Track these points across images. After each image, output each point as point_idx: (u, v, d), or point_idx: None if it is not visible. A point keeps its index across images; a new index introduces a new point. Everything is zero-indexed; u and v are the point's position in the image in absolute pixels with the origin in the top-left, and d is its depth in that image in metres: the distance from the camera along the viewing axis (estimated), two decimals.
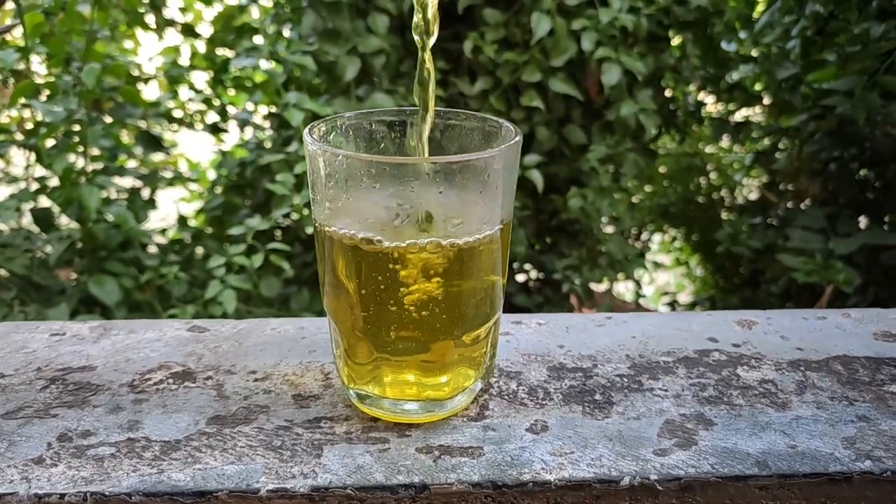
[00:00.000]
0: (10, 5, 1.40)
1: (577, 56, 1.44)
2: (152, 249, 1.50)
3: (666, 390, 0.44)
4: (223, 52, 1.63)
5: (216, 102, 1.69)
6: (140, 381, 0.44)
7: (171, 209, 1.70)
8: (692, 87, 1.95)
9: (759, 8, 1.78)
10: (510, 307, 1.63)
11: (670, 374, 0.46)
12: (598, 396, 0.43)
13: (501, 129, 0.39)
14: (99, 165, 1.37)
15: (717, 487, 0.37)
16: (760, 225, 1.85)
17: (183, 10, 1.74)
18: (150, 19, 1.56)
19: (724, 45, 1.80)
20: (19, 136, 1.48)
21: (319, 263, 0.40)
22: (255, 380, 0.44)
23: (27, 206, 1.38)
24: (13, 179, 1.52)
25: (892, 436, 0.40)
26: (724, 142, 2.26)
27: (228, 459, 0.37)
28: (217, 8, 1.66)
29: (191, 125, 1.69)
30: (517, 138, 0.37)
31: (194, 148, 1.93)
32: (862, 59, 1.43)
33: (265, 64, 1.45)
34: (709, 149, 2.32)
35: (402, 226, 0.35)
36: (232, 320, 0.51)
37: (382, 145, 0.42)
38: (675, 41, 1.71)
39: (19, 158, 1.57)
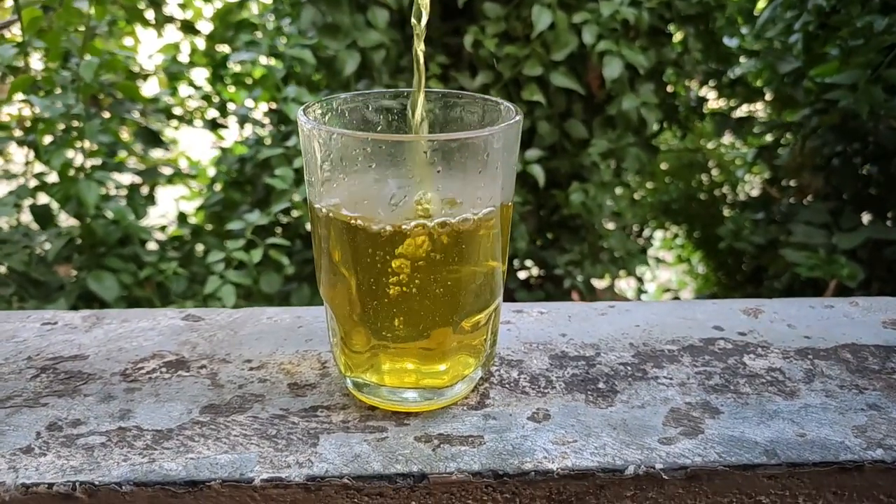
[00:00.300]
0: (8, 2, 1.39)
1: (578, 50, 1.43)
2: (152, 246, 1.50)
3: (671, 378, 0.43)
4: (222, 48, 1.62)
5: (215, 99, 1.68)
6: (132, 369, 0.43)
7: (171, 206, 1.69)
8: (694, 83, 1.94)
9: (761, 3, 1.76)
10: (511, 302, 1.62)
11: (675, 362, 0.45)
12: (601, 385, 0.42)
13: (501, 109, 0.38)
14: (98, 161, 1.36)
15: (725, 476, 0.36)
16: (763, 220, 1.84)
17: (182, 6, 1.73)
18: (150, 16, 1.55)
19: (725, 40, 1.79)
20: (18, 134, 1.47)
21: (315, 249, 0.39)
22: (251, 368, 0.43)
23: (26, 203, 1.37)
24: (12, 176, 1.52)
25: None
26: (727, 138, 2.25)
27: (222, 448, 0.36)
28: (216, 4, 1.65)
29: (190, 122, 1.68)
30: (517, 117, 0.36)
31: (194, 145, 1.93)
32: (865, 53, 1.41)
33: (264, 59, 1.44)
34: (710, 145, 2.31)
35: (400, 206, 0.34)
36: (227, 309, 0.50)
37: (379, 128, 0.41)
38: (677, 36, 1.70)
39: (19, 156, 1.56)
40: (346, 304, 0.38)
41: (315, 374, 0.43)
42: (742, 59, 1.83)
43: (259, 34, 1.49)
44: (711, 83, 1.94)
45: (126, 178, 1.48)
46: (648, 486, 0.36)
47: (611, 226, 1.80)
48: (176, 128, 1.70)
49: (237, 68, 1.62)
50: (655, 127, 1.72)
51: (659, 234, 2.43)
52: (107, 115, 1.45)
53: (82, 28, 1.26)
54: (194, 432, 0.38)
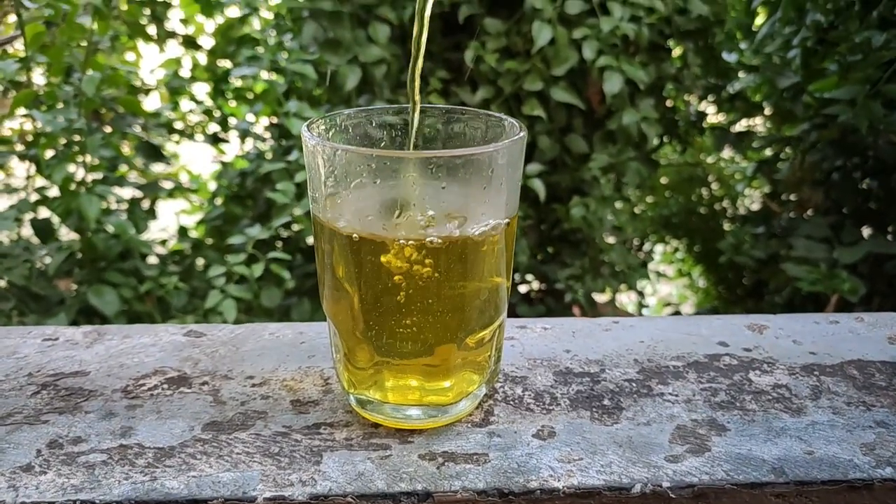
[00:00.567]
0: (12, 18, 1.40)
1: (578, 65, 1.44)
2: (152, 260, 1.49)
3: (676, 395, 0.43)
4: (224, 63, 1.63)
5: (216, 113, 1.68)
6: (134, 386, 0.43)
7: (171, 221, 1.69)
8: (693, 98, 1.95)
9: (760, 19, 1.78)
10: (512, 317, 1.61)
11: (680, 378, 0.44)
12: (606, 402, 0.42)
13: (505, 125, 0.38)
14: (99, 175, 1.37)
15: (733, 495, 0.35)
16: (763, 235, 1.84)
17: (184, 21, 1.74)
18: (152, 31, 1.56)
19: (724, 55, 1.80)
20: (20, 148, 1.47)
21: (319, 264, 0.39)
22: (253, 385, 0.43)
23: (27, 217, 1.37)
24: (13, 190, 1.52)
25: None
26: (726, 152, 2.26)
27: (224, 466, 0.36)
28: (218, 20, 1.66)
29: (191, 136, 1.69)
30: (521, 134, 0.36)
31: (195, 160, 1.93)
32: (864, 68, 1.42)
33: (266, 74, 1.45)
34: (710, 159, 2.32)
35: (404, 222, 0.34)
36: (229, 325, 0.50)
37: (382, 143, 0.41)
38: (676, 51, 1.71)
39: (20, 170, 1.56)
40: (349, 320, 0.38)
41: (318, 390, 0.43)
42: (741, 74, 1.84)
43: (260, 49, 1.49)
44: (711, 98, 1.95)
45: (127, 193, 1.48)
46: None
47: (611, 240, 1.80)
48: (177, 142, 1.70)
49: (238, 83, 1.62)
50: (655, 141, 1.72)
51: (659, 248, 2.43)
52: (108, 129, 1.46)
53: (84, 43, 1.27)
54: (196, 450, 0.37)
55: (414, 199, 0.34)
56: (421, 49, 0.36)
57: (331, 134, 0.39)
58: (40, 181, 1.40)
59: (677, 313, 2.28)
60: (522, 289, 1.79)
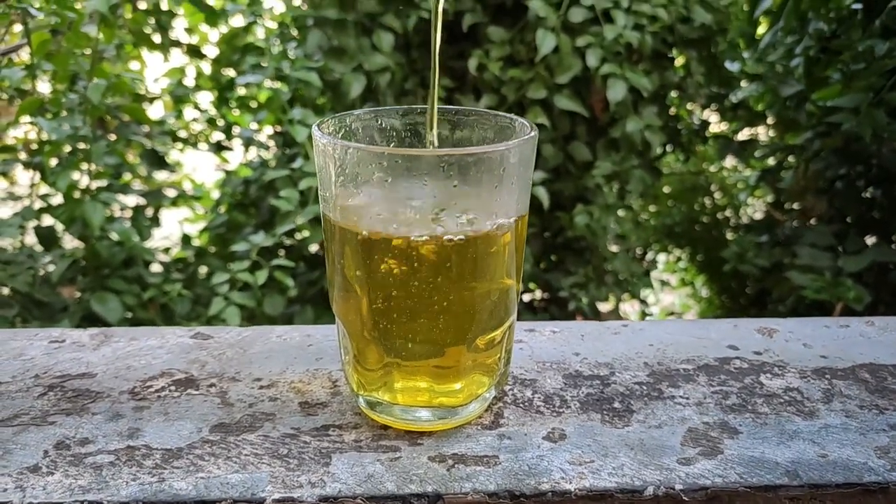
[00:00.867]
0: (17, 27, 1.41)
1: (581, 73, 1.44)
2: (156, 268, 1.49)
3: (687, 398, 0.42)
4: (228, 72, 1.63)
5: (220, 122, 1.69)
6: (141, 388, 0.43)
7: (175, 229, 1.69)
8: (696, 107, 1.95)
9: (762, 28, 1.78)
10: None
11: (691, 381, 0.44)
12: (616, 404, 0.42)
13: (516, 125, 0.38)
14: (103, 183, 1.37)
15: (746, 498, 0.35)
16: (767, 243, 1.84)
17: (189, 30, 1.75)
18: (157, 39, 1.56)
19: (727, 64, 1.80)
20: (24, 157, 1.48)
21: (328, 265, 0.39)
22: (261, 387, 0.43)
23: (31, 225, 1.37)
24: (17, 198, 1.52)
25: None
26: (729, 161, 2.26)
27: (233, 468, 0.36)
28: (222, 29, 1.67)
29: (195, 144, 1.69)
30: (532, 133, 0.36)
31: (199, 168, 1.93)
32: (867, 77, 1.42)
33: (270, 83, 1.45)
34: (713, 168, 2.32)
35: (415, 220, 0.34)
36: (236, 327, 0.50)
37: (392, 144, 0.41)
38: (679, 60, 1.71)
39: (24, 178, 1.57)
40: (358, 321, 0.38)
41: (326, 392, 0.43)
42: (744, 84, 1.85)
43: (264, 60, 1.50)
44: (713, 107, 1.95)
45: (131, 200, 1.48)
46: None
47: (615, 248, 1.80)
48: (181, 150, 1.71)
49: (242, 91, 1.63)
50: (659, 150, 1.72)
51: (662, 257, 2.42)
52: (113, 137, 1.46)
53: (90, 51, 1.27)
54: (204, 451, 0.37)
55: (425, 197, 0.34)
56: (437, 41, 0.36)
57: (340, 134, 0.39)
58: (44, 189, 1.40)
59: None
60: (526, 297, 1.79)
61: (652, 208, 2.27)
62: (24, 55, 1.32)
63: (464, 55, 1.51)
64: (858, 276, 1.57)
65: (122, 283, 1.34)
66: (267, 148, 1.65)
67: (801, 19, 1.54)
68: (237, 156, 1.74)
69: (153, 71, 1.70)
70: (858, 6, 1.47)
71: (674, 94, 1.72)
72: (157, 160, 1.56)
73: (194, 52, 1.65)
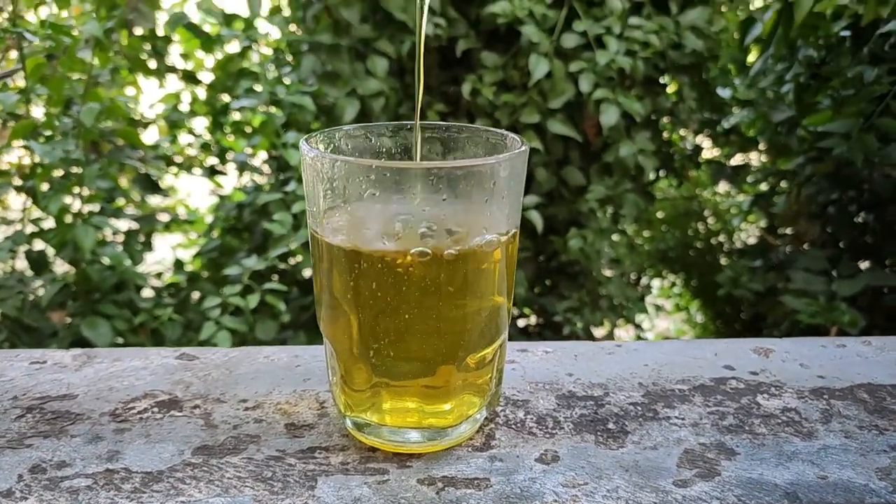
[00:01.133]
0: (13, 54, 1.42)
1: (574, 98, 1.45)
2: (148, 293, 1.48)
3: (683, 419, 0.41)
4: (223, 97, 1.64)
5: (215, 147, 1.69)
6: (123, 409, 0.41)
7: (168, 255, 1.68)
8: (689, 132, 1.97)
9: (753, 55, 1.80)
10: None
11: (686, 402, 0.43)
12: (611, 425, 0.41)
13: (507, 141, 0.38)
14: (95, 207, 1.36)
15: None
16: (761, 268, 1.84)
17: (184, 56, 1.76)
18: (152, 65, 1.57)
19: (719, 91, 1.82)
20: (17, 182, 1.47)
21: (316, 282, 0.38)
22: (246, 409, 0.42)
23: (22, 249, 1.36)
24: (9, 222, 1.51)
25: None
26: (722, 186, 2.27)
27: (214, 491, 0.34)
28: (218, 55, 1.68)
29: (189, 169, 1.69)
30: (523, 148, 0.36)
31: (193, 193, 1.93)
32: (857, 103, 1.43)
33: (264, 108, 1.46)
34: (706, 194, 2.33)
35: (404, 235, 0.33)
36: (223, 349, 0.48)
37: (382, 158, 0.41)
38: (672, 86, 1.73)
39: (16, 203, 1.56)
40: (346, 340, 0.37)
41: (313, 414, 0.41)
42: (735, 110, 1.86)
43: (259, 87, 1.51)
44: (706, 132, 1.96)
45: (123, 225, 1.48)
46: None
47: (609, 273, 1.80)
48: (176, 174, 1.70)
49: (237, 116, 1.63)
50: (652, 175, 1.73)
51: (656, 283, 2.42)
52: (106, 160, 1.46)
53: (84, 76, 1.27)
54: (186, 474, 0.36)
55: (414, 211, 0.33)
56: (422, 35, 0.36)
57: (329, 149, 0.39)
58: (37, 213, 1.39)
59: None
60: (520, 322, 1.78)
61: (646, 233, 2.27)
62: (20, 80, 1.32)
63: (457, 80, 1.52)
64: (853, 301, 1.57)
65: (112, 307, 1.32)
66: (261, 173, 1.65)
67: (790, 47, 1.56)
68: (231, 180, 1.74)
69: (149, 96, 1.70)
70: (847, 33, 1.49)
71: (666, 120, 1.73)
72: (151, 185, 1.55)
73: (190, 77, 1.65)
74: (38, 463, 0.36)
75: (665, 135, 1.81)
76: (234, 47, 1.65)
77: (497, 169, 0.33)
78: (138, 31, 1.60)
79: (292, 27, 1.66)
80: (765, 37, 1.51)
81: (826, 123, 1.45)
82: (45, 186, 1.29)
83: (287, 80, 1.55)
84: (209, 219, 1.74)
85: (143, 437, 0.39)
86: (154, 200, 1.67)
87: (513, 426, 0.41)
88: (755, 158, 2.15)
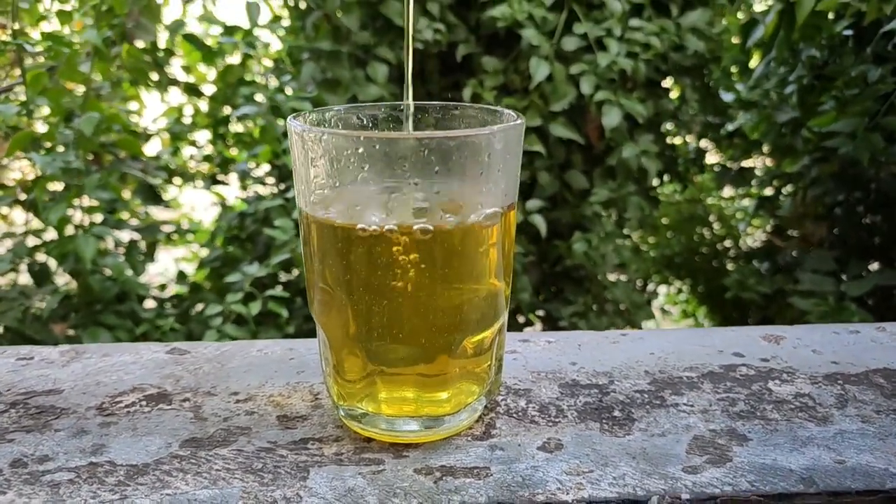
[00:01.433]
0: (16, 72, 1.42)
1: (576, 101, 1.44)
2: (149, 303, 1.47)
3: (692, 405, 0.40)
4: (225, 110, 1.64)
5: (217, 158, 1.69)
6: (110, 403, 0.40)
7: (170, 268, 1.68)
8: (692, 136, 1.95)
9: (755, 58, 1.79)
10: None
11: (695, 389, 0.42)
12: (616, 413, 0.39)
13: (504, 116, 0.36)
14: (97, 218, 1.36)
15: None
16: (769, 270, 1.81)
17: (186, 69, 1.76)
18: (154, 77, 1.57)
19: (722, 94, 1.81)
20: (21, 196, 1.47)
21: (306, 266, 0.37)
22: (237, 401, 0.40)
23: (24, 262, 1.36)
24: (10, 234, 1.51)
25: None
26: (727, 190, 2.25)
27: (202, 484, 0.33)
28: (219, 65, 1.68)
29: (192, 179, 1.69)
30: (519, 121, 0.34)
31: (196, 205, 1.93)
32: (861, 102, 1.42)
33: (265, 117, 1.45)
34: (710, 199, 2.31)
35: (396, 210, 0.32)
36: (215, 342, 0.47)
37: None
38: (674, 90, 1.72)
39: (19, 218, 1.55)
40: (338, 324, 0.35)
41: (307, 405, 0.40)
42: (739, 112, 1.85)
43: (260, 96, 1.50)
44: (710, 135, 1.95)
45: (125, 236, 1.47)
46: None
47: (614, 277, 1.78)
48: (180, 186, 1.70)
49: (240, 128, 1.63)
50: (656, 180, 1.71)
51: (663, 289, 2.40)
52: (107, 170, 1.45)
53: (84, 89, 1.27)
54: (172, 467, 0.34)
55: (406, 185, 0.32)
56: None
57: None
58: (39, 225, 1.39)
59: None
60: (527, 329, 1.76)
61: (651, 239, 2.25)
62: (21, 96, 1.32)
63: (458, 85, 1.51)
64: (862, 301, 1.55)
65: (114, 318, 1.31)
66: (263, 183, 1.65)
67: (792, 49, 1.55)
68: (233, 190, 1.73)
69: (151, 110, 1.71)
70: (849, 33, 1.48)
71: (669, 123, 1.72)
72: (153, 195, 1.55)
73: (192, 90, 1.65)
74: (18, 457, 0.35)
75: (668, 139, 1.80)
76: (235, 59, 1.65)
77: (491, 140, 0.32)
78: (139, 43, 1.61)
79: (292, 35, 1.66)
80: (766, 39, 1.50)
81: (831, 124, 1.43)
82: (46, 198, 1.28)
83: (289, 91, 1.55)
84: (211, 229, 1.73)
85: (129, 430, 0.37)
86: (157, 212, 1.67)
87: (514, 415, 0.39)
88: (759, 161, 2.13)
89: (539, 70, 1.37)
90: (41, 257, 1.39)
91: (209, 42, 1.65)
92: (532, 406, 0.40)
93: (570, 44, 1.40)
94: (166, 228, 1.59)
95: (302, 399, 0.41)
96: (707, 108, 1.79)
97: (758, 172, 2.02)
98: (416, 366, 0.35)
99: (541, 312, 1.73)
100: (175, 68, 1.69)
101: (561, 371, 0.44)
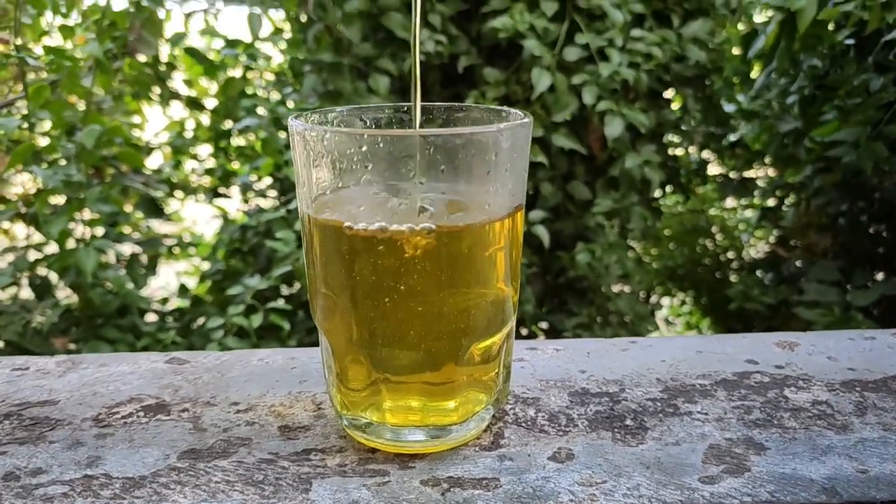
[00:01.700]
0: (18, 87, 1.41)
1: (578, 111, 1.44)
2: (151, 317, 1.46)
3: (706, 414, 0.38)
4: (227, 124, 1.63)
5: (218, 171, 1.68)
6: (106, 414, 0.39)
7: (172, 282, 1.67)
8: (694, 147, 1.95)
9: (756, 69, 1.79)
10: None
11: (709, 397, 0.40)
12: (628, 422, 0.38)
13: (509, 115, 0.36)
14: (98, 231, 1.35)
15: None
16: (773, 281, 1.80)
17: (188, 82, 1.76)
18: (156, 90, 1.57)
19: (723, 105, 1.81)
20: (22, 210, 1.46)
21: (308, 272, 0.36)
22: (237, 412, 0.39)
23: (25, 276, 1.35)
24: (12, 249, 1.50)
25: None
26: (729, 202, 2.24)
27: (200, 496, 0.32)
28: (221, 78, 1.68)
29: (194, 192, 1.68)
30: (526, 119, 0.33)
31: (198, 218, 1.92)
32: (864, 111, 1.42)
33: (267, 129, 1.45)
34: (713, 211, 2.30)
35: (401, 210, 0.31)
36: (215, 352, 0.46)
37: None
38: (675, 101, 1.71)
39: (22, 234, 1.55)
40: (342, 330, 0.34)
41: (309, 415, 0.39)
42: (741, 122, 1.84)
43: (262, 108, 1.50)
44: (712, 146, 1.94)
45: (126, 249, 1.46)
46: None
47: (617, 288, 1.77)
48: (182, 199, 1.69)
49: (241, 141, 1.63)
50: (658, 191, 1.70)
51: (666, 301, 2.38)
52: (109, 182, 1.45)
53: (84, 103, 1.27)
54: (170, 479, 0.33)
55: (411, 184, 0.31)
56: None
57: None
58: (39, 239, 1.38)
59: None
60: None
61: (653, 251, 2.24)
62: (22, 109, 1.32)
63: (460, 96, 1.51)
64: (867, 311, 1.53)
65: (115, 331, 1.30)
66: (264, 196, 1.64)
67: (793, 60, 1.54)
68: (235, 204, 1.73)
69: (153, 124, 1.70)
70: (851, 42, 1.47)
71: (672, 136, 1.72)
72: (154, 208, 1.54)
73: (194, 104, 1.65)
74: (11, 470, 0.34)
75: (670, 150, 1.79)
76: (236, 72, 1.65)
77: (499, 138, 0.31)
78: (141, 57, 1.61)
79: (294, 47, 1.66)
80: (767, 50, 1.50)
81: (833, 134, 1.43)
82: (47, 211, 1.28)
83: (290, 104, 1.55)
84: (213, 242, 1.72)
85: (126, 441, 0.36)
86: (158, 226, 1.66)
87: (523, 424, 0.38)
88: (762, 172, 2.13)
89: (541, 80, 1.37)
90: (42, 271, 1.38)
91: (211, 56, 1.66)
92: (541, 415, 0.39)
93: (571, 54, 1.40)
94: (168, 242, 1.58)
95: (304, 409, 0.39)
96: (709, 119, 1.79)
97: (760, 183, 2.02)
98: (421, 373, 0.34)
99: (544, 324, 1.71)
100: (177, 82, 1.69)
101: (570, 379, 0.43)
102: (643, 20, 1.50)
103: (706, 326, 2.38)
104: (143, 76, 1.53)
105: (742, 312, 1.87)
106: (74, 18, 1.51)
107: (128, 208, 1.53)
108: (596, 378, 0.43)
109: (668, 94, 1.66)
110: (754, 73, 1.76)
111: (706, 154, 2.01)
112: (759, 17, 1.85)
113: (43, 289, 1.35)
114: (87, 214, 1.31)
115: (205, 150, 1.72)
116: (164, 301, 1.54)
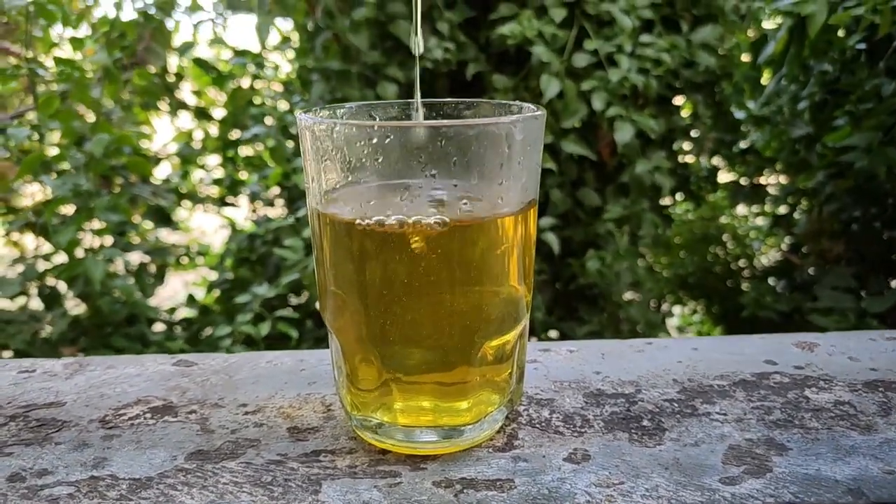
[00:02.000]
0: (28, 99, 1.42)
1: (588, 118, 1.43)
2: (159, 326, 1.46)
3: (725, 414, 0.37)
4: (235, 134, 1.64)
5: (226, 180, 1.69)
6: (113, 416, 0.38)
7: (181, 293, 1.67)
8: (704, 154, 1.94)
9: (766, 75, 1.78)
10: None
11: (727, 397, 0.39)
12: (646, 422, 0.37)
13: (522, 108, 0.35)
14: (107, 240, 1.35)
15: None
16: (785, 288, 1.78)
17: (196, 93, 1.77)
18: (165, 100, 1.58)
19: (734, 112, 1.80)
20: (31, 219, 1.47)
21: (318, 269, 0.35)
22: (246, 413, 0.38)
23: (34, 285, 1.35)
24: (21, 259, 1.50)
25: None
26: (741, 209, 2.23)
27: (208, 497, 0.31)
28: (229, 88, 1.68)
29: (202, 201, 1.68)
30: (539, 112, 0.33)
31: (206, 228, 1.93)
32: (876, 116, 1.40)
33: (275, 137, 1.45)
34: (724, 218, 2.28)
35: (411, 204, 0.30)
36: (223, 354, 0.45)
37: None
38: (685, 107, 1.70)
39: (31, 244, 1.55)
40: (352, 328, 0.34)
41: (318, 417, 0.38)
42: (751, 128, 1.83)
43: (270, 119, 1.50)
44: (723, 152, 1.93)
45: (135, 258, 1.46)
46: None
47: (628, 296, 1.75)
48: (190, 209, 1.70)
49: (249, 151, 1.63)
50: (668, 198, 1.69)
51: (677, 309, 2.36)
52: (117, 192, 1.45)
53: (93, 114, 1.28)
54: (177, 480, 0.32)
55: (421, 178, 0.30)
56: None
57: None
58: (48, 248, 1.39)
59: None
60: None
61: (664, 259, 2.22)
62: (33, 120, 1.33)
63: None
64: (883, 317, 1.51)
65: (123, 340, 1.30)
66: (272, 204, 1.64)
67: (804, 65, 1.53)
68: (243, 213, 1.73)
69: (161, 134, 1.71)
70: (862, 46, 1.46)
71: (681, 141, 1.71)
72: (163, 217, 1.54)
73: (202, 114, 1.66)
74: (17, 471, 0.33)
75: (680, 157, 1.78)
76: (244, 81, 1.66)
77: (512, 130, 0.30)
78: (150, 68, 1.62)
79: (302, 56, 1.66)
80: (777, 56, 1.49)
81: (845, 139, 1.41)
82: (56, 221, 1.28)
83: (297, 114, 1.55)
84: (221, 252, 1.72)
85: (133, 443, 0.36)
86: (166, 235, 1.66)
87: (537, 425, 0.37)
88: (773, 178, 2.11)
89: (550, 87, 1.36)
90: (51, 281, 1.38)
91: (219, 66, 1.66)
92: (556, 416, 0.38)
93: (580, 60, 1.39)
94: (176, 251, 1.58)
95: (313, 410, 0.39)
96: (719, 125, 1.78)
97: (772, 190, 2.00)
98: (434, 373, 0.34)
99: (554, 333, 1.70)
100: (185, 92, 1.70)
101: (584, 380, 0.42)
102: (652, 26, 1.49)
103: (718, 335, 2.36)
104: (151, 86, 1.53)
105: (754, 320, 1.84)
106: (84, 30, 1.52)
107: (136, 218, 1.54)
108: (611, 379, 0.42)
109: (678, 100, 1.65)
110: (764, 79, 1.75)
111: (717, 161, 2.00)
112: (768, 23, 1.84)
113: (52, 298, 1.35)
114: (95, 224, 1.31)
115: (213, 160, 1.73)
116: (172, 310, 1.54)
